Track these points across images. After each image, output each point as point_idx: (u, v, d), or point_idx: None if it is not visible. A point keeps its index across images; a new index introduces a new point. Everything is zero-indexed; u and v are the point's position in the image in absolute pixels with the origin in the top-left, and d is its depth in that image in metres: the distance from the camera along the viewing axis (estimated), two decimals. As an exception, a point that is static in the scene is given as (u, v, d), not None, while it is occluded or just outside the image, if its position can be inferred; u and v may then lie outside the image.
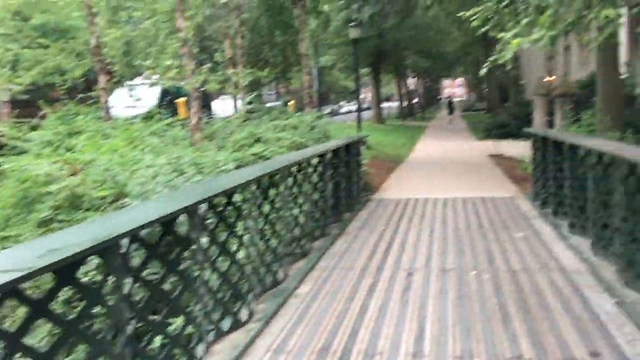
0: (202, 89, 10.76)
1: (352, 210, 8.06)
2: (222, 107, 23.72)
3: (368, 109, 46.04)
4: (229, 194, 3.93)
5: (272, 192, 4.87)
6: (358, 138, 8.97)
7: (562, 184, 6.48)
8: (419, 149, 19.84)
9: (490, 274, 4.99)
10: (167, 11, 11.96)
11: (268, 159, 7.83)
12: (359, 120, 17.57)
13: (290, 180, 5.40)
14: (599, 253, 5.04)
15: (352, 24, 16.71)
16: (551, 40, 5.96)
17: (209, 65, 11.71)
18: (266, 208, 4.68)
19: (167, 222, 3.11)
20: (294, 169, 5.57)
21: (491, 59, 7.05)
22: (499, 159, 15.74)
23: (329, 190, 6.73)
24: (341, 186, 7.43)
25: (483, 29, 7.44)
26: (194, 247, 3.35)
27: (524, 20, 5.73)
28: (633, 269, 4.23)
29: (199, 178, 5.83)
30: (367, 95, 63.63)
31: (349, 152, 8.11)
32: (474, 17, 7.18)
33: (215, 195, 3.72)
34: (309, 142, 10.25)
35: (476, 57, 59.86)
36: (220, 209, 3.88)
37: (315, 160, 6.54)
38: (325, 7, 17.04)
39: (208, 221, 3.72)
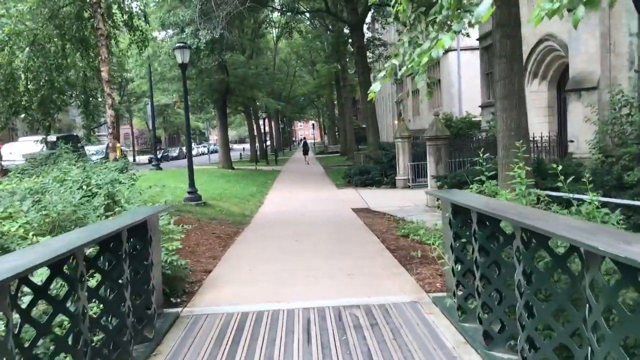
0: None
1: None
2: (20, 149, 18.11)
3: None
4: None
5: None
6: (151, 213, 4.92)
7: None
8: (271, 202, 16.20)
9: None
10: None
11: None
12: (191, 168, 13.44)
13: None
14: None
15: (178, 44, 12.77)
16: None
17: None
18: None
19: None
20: None
21: (392, 62, 3.63)
22: (367, 216, 12.63)
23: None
24: (80, 334, 3.29)
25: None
26: None
27: None
28: None
29: None
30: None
31: (117, 247, 4.02)
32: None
33: None
34: (79, 216, 6.01)
35: (330, 99, 59.25)
36: None
37: None
38: (139, 23, 12.82)
39: None
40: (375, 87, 3.70)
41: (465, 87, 34.02)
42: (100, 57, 10.70)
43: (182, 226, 6.67)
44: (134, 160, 58.40)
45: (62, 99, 12.15)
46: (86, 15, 11.69)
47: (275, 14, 37.37)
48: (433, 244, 6.04)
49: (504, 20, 8.07)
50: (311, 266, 7.34)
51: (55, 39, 11.31)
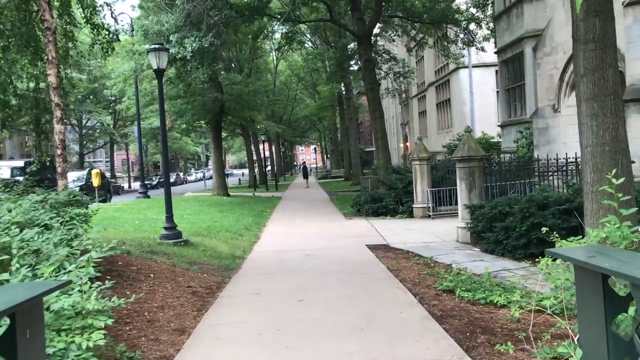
0: None
1: None
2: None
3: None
4: None
5: None
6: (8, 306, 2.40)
7: None
8: (268, 237, 13.59)
9: None
10: None
11: None
12: (169, 198, 10.91)
13: None
14: None
15: (153, 46, 10.37)
16: None
17: None
18: None
19: None
20: None
21: None
22: (388, 256, 10.06)
23: None
24: None
25: None
26: None
27: None
28: None
29: None
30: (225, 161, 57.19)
31: None
32: None
33: None
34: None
35: (333, 121, 57.01)
36: None
37: None
38: (103, 21, 10.34)
39: None
40: None
41: (477, 105, 31.77)
42: (47, 57, 8.27)
43: (116, 300, 4.08)
44: (129, 187, 55.78)
45: (8, 113, 9.72)
46: (35, 8, 9.32)
47: (277, 35, 35.41)
48: (566, 325, 3.47)
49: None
50: (325, 353, 4.74)
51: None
